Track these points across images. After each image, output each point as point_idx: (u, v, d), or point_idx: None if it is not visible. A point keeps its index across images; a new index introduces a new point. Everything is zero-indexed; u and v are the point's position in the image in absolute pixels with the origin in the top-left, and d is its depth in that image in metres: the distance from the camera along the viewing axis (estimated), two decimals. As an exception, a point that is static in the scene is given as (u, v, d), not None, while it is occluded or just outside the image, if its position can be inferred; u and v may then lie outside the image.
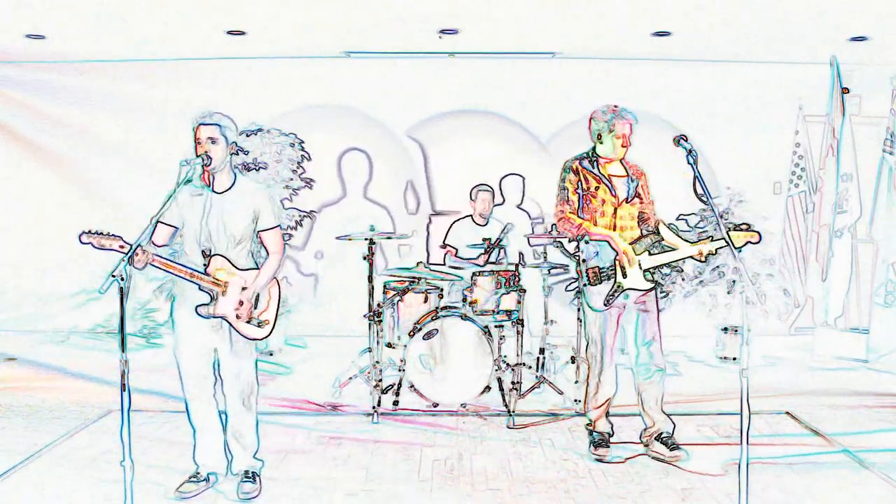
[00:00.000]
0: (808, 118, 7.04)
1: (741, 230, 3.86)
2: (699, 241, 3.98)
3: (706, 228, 6.49)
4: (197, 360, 3.61)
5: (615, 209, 4.04)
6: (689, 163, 3.80)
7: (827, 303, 6.70)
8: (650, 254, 4.00)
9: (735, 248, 3.53)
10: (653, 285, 4.05)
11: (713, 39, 6.43)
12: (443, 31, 6.30)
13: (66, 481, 3.86)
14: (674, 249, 3.99)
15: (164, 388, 5.16)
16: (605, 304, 4.02)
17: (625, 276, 3.98)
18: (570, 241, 4.56)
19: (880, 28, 6.02)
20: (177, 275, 3.45)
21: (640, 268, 4.00)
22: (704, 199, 3.97)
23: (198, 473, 3.73)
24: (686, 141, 3.71)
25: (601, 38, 6.46)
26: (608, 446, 4.21)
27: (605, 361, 4.12)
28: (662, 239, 4.03)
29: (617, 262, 3.98)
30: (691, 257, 3.96)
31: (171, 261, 3.44)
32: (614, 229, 4.04)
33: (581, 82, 7.11)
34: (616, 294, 4.00)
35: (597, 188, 4.04)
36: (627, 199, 4.08)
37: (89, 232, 3.28)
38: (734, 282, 6.58)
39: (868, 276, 6.96)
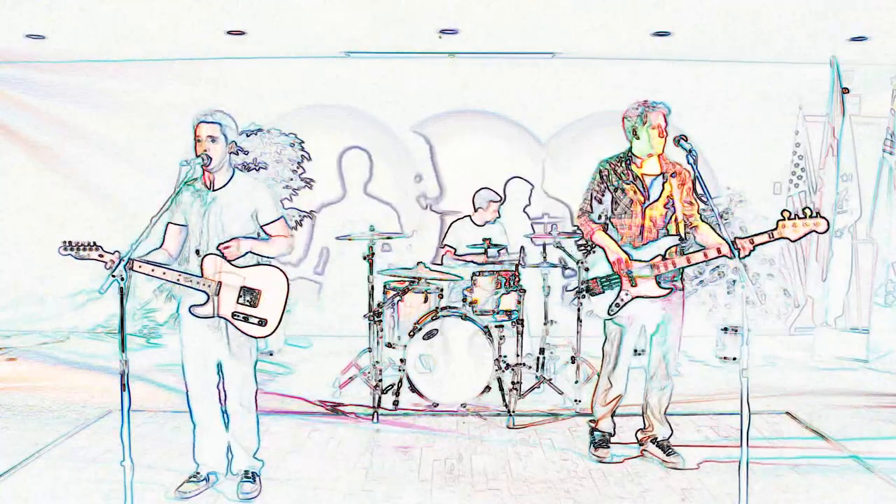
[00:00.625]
0: (808, 118, 7.04)
1: (800, 217, 3.42)
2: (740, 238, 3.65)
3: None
4: (199, 360, 3.61)
5: (643, 210, 3.95)
6: (688, 163, 3.79)
7: (827, 303, 6.70)
8: (664, 258, 3.88)
9: (792, 240, 3.39)
10: (669, 290, 3.92)
11: (713, 39, 6.44)
12: (443, 31, 6.30)
13: (66, 481, 3.86)
14: (702, 249, 3.78)
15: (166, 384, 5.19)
16: (610, 313, 3.98)
17: (633, 283, 3.92)
18: (578, 241, 4.54)
19: (880, 28, 6.03)
20: (160, 278, 3.44)
21: (650, 274, 3.90)
22: (704, 199, 3.94)
23: (198, 473, 3.73)
24: (686, 141, 3.70)
25: (601, 38, 6.46)
26: (608, 447, 4.20)
27: (620, 361, 4.08)
28: (683, 241, 3.94)
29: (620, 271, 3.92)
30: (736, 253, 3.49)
31: (155, 264, 3.41)
32: (642, 230, 3.96)
33: (581, 82, 7.12)
34: (623, 302, 3.94)
35: (624, 189, 3.96)
36: (655, 198, 3.95)
37: (68, 244, 3.28)
38: (734, 282, 6.58)
39: (868, 276, 6.96)
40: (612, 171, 4.01)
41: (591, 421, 4.29)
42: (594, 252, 4.09)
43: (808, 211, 3.47)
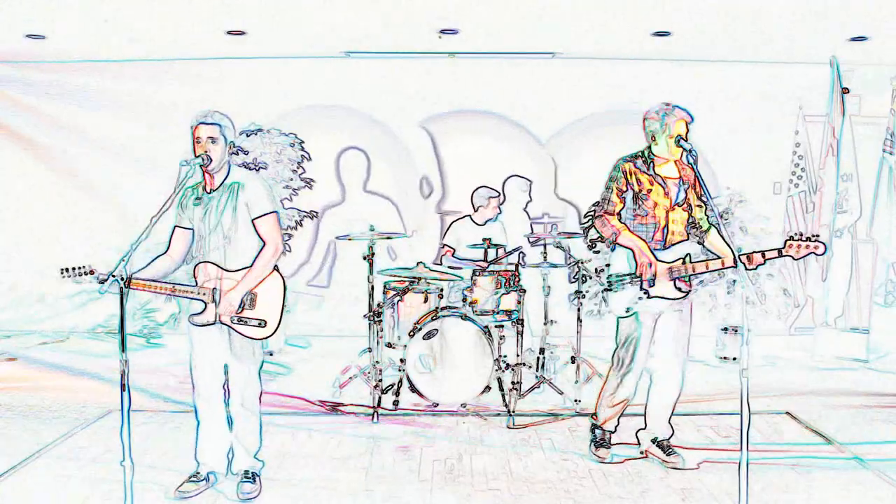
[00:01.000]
0: (808, 118, 7.04)
1: (804, 240, 3.59)
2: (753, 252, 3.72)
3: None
4: (206, 360, 3.62)
5: (667, 212, 3.90)
6: (688, 163, 3.80)
7: (827, 303, 6.70)
8: (684, 262, 3.85)
9: (794, 258, 3.54)
10: (685, 294, 3.92)
11: (713, 39, 6.43)
12: (443, 31, 6.31)
13: (66, 481, 3.86)
14: (718, 258, 3.80)
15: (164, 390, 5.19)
16: (626, 311, 3.96)
17: (652, 283, 3.88)
18: (590, 241, 4.49)
19: (880, 28, 6.03)
20: (158, 292, 3.45)
21: (671, 277, 3.87)
22: (704, 199, 3.93)
23: (198, 473, 3.73)
24: (686, 141, 3.70)
25: (601, 38, 6.46)
26: (609, 447, 4.20)
27: (633, 366, 4.02)
28: (700, 245, 3.92)
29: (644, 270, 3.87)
30: (742, 264, 3.57)
31: (150, 280, 3.42)
32: (665, 233, 3.91)
33: (581, 82, 7.12)
34: (639, 301, 3.90)
35: (649, 190, 3.90)
36: (679, 202, 3.91)
37: (66, 270, 3.30)
38: (734, 282, 6.58)
39: (868, 276, 6.96)
40: (634, 170, 3.94)
41: (592, 416, 4.27)
42: (598, 251, 4.07)
43: (812, 236, 3.62)
